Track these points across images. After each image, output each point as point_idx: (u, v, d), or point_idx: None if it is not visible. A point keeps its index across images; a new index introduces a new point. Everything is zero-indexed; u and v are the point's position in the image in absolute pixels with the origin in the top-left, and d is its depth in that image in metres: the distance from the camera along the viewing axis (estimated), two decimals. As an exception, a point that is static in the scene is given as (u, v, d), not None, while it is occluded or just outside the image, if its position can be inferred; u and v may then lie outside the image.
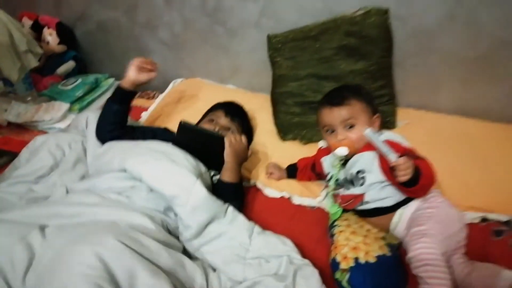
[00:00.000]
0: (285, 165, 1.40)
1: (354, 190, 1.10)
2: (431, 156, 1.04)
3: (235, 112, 1.42)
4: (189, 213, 0.99)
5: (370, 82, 1.48)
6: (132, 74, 1.28)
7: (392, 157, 0.96)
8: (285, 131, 1.56)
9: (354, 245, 1.00)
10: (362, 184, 1.07)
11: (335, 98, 1.14)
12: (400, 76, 1.57)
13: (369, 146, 1.07)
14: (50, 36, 1.81)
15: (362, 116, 1.11)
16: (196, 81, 1.91)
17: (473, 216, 1.16)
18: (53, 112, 1.56)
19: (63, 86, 1.75)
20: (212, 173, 1.25)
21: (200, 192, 1.01)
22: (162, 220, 1.01)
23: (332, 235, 1.07)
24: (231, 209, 1.07)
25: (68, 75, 1.90)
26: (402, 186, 0.97)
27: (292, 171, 1.37)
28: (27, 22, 1.86)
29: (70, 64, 1.89)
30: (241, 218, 1.07)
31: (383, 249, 0.99)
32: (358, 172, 1.08)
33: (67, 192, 1.07)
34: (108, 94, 1.85)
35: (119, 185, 1.04)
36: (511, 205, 1.18)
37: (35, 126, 1.59)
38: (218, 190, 1.14)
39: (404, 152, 1.02)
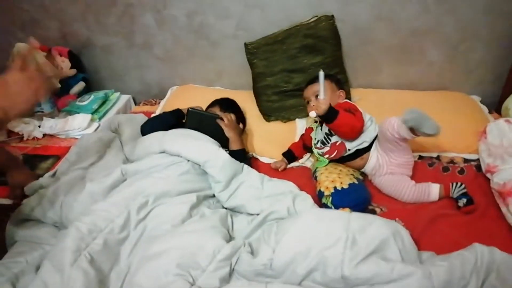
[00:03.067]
0: (273, 139, 1.65)
1: (333, 139, 1.37)
2: (380, 120, 1.33)
3: (228, 105, 1.62)
4: (219, 171, 1.22)
5: (327, 71, 1.56)
6: None
7: (321, 96, 1.26)
8: (268, 114, 1.79)
9: (332, 179, 1.29)
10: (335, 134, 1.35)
11: (311, 79, 1.44)
12: (349, 64, 1.81)
13: None
14: (63, 63, 1.95)
15: (328, 90, 1.38)
16: (188, 87, 2.07)
17: (414, 155, 1.47)
18: (79, 123, 1.76)
19: (80, 102, 1.92)
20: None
21: (224, 155, 1.25)
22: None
23: (316, 177, 1.37)
24: (245, 166, 1.31)
25: (79, 94, 2.06)
26: (326, 122, 1.29)
27: (289, 156, 1.56)
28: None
29: (81, 85, 2.05)
30: (254, 171, 1.32)
31: (352, 179, 1.30)
32: None
33: (122, 172, 1.27)
34: (117, 106, 2.07)
35: (164, 161, 1.25)
36: (436, 146, 1.53)
37: (66, 135, 1.76)
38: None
39: (345, 106, 1.32)
